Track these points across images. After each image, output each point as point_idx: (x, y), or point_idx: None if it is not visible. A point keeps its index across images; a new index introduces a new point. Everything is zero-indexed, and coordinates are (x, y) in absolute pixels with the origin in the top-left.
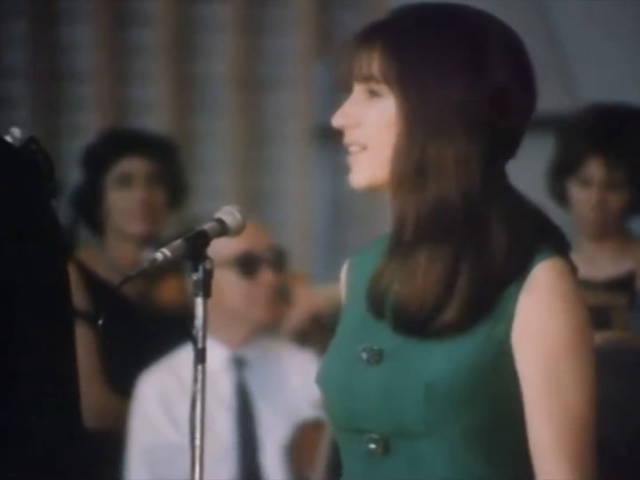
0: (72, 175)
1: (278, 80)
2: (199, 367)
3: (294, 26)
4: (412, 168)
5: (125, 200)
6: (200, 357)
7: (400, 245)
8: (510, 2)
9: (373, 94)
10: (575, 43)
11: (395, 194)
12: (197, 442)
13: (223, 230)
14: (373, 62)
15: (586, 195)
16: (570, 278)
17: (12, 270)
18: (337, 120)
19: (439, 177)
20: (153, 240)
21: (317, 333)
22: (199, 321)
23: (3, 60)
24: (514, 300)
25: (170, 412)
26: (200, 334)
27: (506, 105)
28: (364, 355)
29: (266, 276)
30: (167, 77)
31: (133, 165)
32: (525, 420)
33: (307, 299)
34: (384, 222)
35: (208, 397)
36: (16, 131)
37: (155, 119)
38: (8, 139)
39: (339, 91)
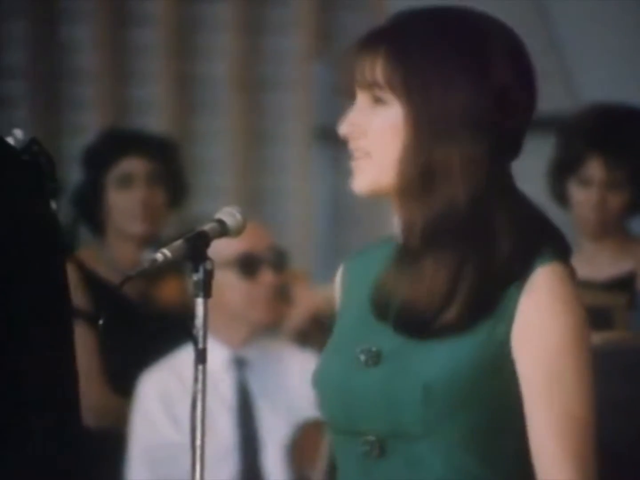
0: (72, 175)
1: (278, 80)
2: (200, 367)
3: (294, 26)
4: (419, 172)
5: (126, 200)
6: (200, 357)
7: (407, 251)
8: (510, 3)
9: (377, 100)
10: (575, 43)
11: (401, 200)
12: (198, 442)
13: (223, 230)
14: (376, 69)
15: (586, 195)
16: (570, 282)
17: (12, 270)
18: (343, 130)
19: (446, 181)
20: (153, 241)
21: (317, 333)
22: (199, 321)
23: (3, 60)
24: (515, 301)
25: (171, 411)
26: (200, 334)
27: (509, 106)
28: (362, 357)
29: (266, 276)
30: (167, 77)
31: (133, 165)
32: (523, 421)
33: (308, 299)
34: (384, 222)
35: (209, 397)
36: (18, 132)
37: (155, 119)
38: (10, 140)
39: (342, 98)
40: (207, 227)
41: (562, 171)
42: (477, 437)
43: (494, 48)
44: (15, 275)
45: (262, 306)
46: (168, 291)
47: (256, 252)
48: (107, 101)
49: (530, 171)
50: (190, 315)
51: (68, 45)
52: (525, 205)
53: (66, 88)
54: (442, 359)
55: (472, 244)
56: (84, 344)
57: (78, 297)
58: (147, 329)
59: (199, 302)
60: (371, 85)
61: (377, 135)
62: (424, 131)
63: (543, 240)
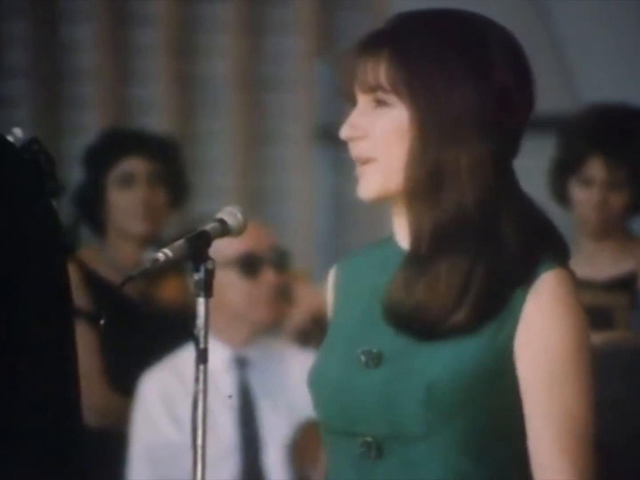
0: (73, 175)
1: (279, 80)
2: (201, 367)
3: (295, 26)
4: (427, 175)
5: (127, 200)
6: (202, 357)
7: (416, 254)
8: (510, 3)
9: (380, 103)
10: (576, 43)
11: (409, 203)
12: (199, 441)
13: (225, 230)
14: (380, 72)
15: (587, 195)
16: (572, 287)
17: (13, 270)
18: (345, 132)
19: (454, 183)
20: (154, 240)
21: (318, 333)
22: (200, 321)
23: (4, 59)
24: (520, 304)
25: (172, 411)
26: (202, 334)
27: (510, 105)
28: (363, 358)
29: (268, 276)
30: (168, 77)
31: (134, 165)
32: (523, 423)
33: (309, 299)
34: (384, 223)
35: (210, 397)
36: (18, 131)
37: (156, 119)
38: (10, 139)
39: (343, 101)
40: (209, 226)
41: (563, 171)
42: (477, 439)
43: (494, 49)
44: (16, 275)
45: (263, 306)
46: (169, 291)
47: (257, 251)
48: (108, 101)
49: (530, 171)
50: (191, 315)
51: (69, 45)
52: (529, 206)
53: (67, 88)
54: (445, 360)
55: (480, 246)
56: (85, 344)
57: (79, 296)
58: (148, 328)
59: (200, 301)
60: (374, 88)
61: (381, 138)
62: (431, 134)
63: (546, 243)
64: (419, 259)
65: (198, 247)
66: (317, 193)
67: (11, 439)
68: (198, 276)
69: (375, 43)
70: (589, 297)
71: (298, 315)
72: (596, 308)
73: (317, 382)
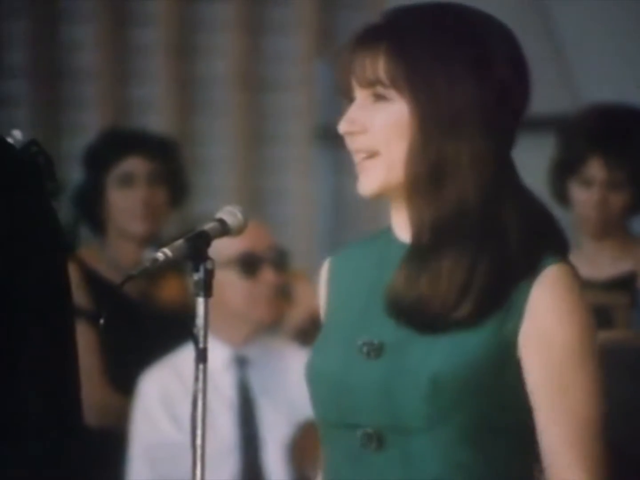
0: (73, 175)
1: (279, 80)
2: (201, 367)
3: (295, 26)
4: (429, 169)
5: (127, 200)
6: (201, 356)
7: (418, 248)
8: (511, 4)
9: (379, 98)
10: (576, 44)
11: (410, 198)
12: (199, 441)
13: (224, 230)
14: (378, 66)
15: (587, 195)
16: (577, 281)
17: (13, 270)
18: (343, 127)
19: (455, 177)
20: (154, 240)
21: (318, 332)
22: (200, 321)
23: (4, 59)
24: (524, 298)
25: (171, 410)
26: (201, 334)
27: (508, 99)
28: (364, 349)
29: (267, 276)
30: (168, 77)
31: (134, 164)
32: (524, 417)
33: (309, 298)
34: (384, 222)
35: (210, 396)
36: (17, 133)
37: (156, 119)
38: (9, 140)
39: (340, 96)
40: (208, 226)
41: (563, 171)
42: (478, 432)
43: (492, 42)
44: (17, 275)
45: (263, 305)
46: (169, 290)
47: (257, 251)
48: (108, 101)
49: (530, 171)
50: (191, 314)
51: (68, 45)
52: (531, 200)
53: (66, 88)
54: (449, 352)
55: (482, 240)
56: (85, 343)
57: (79, 296)
58: (148, 328)
59: (200, 301)
60: (373, 83)
61: (381, 132)
62: (432, 128)
63: (548, 237)
64: (421, 253)
65: (198, 247)
66: (317, 193)
67: (11, 438)
68: (198, 276)
69: (373, 37)
70: (589, 297)
71: (298, 314)
72: (596, 307)
73: (315, 374)
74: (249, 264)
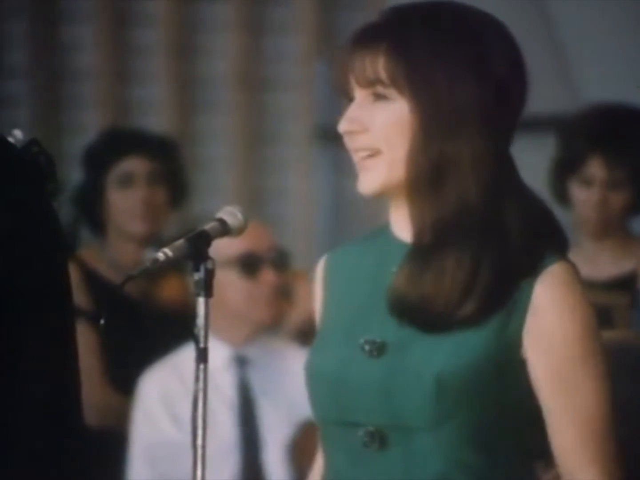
0: (73, 175)
1: (279, 80)
2: (201, 366)
3: (295, 26)
4: (430, 168)
5: (127, 200)
6: (202, 356)
7: (420, 248)
8: (510, 2)
9: (379, 97)
10: (576, 43)
11: (411, 197)
12: (199, 440)
13: (225, 230)
14: (379, 66)
15: (587, 195)
16: (579, 279)
17: (13, 270)
18: (343, 126)
19: (456, 176)
20: (154, 240)
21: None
22: (200, 321)
23: (4, 59)
24: (527, 296)
25: (172, 410)
26: (202, 334)
27: (507, 96)
28: (367, 348)
29: (268, 276)
30: (168, 77)
31: (134, 164)
32: (527, 416)
33: (309, 298)
34: (384, 221)
35: (210, 396)
36: (18, 133)
37: (156, 119)
38: (10, 140)
39: (339, 96)
40: (209, 226)
41: (563, 171)
42: (482, 431)
43: (490, 40)
44: (17, 275)
45: (264, 305)
46: (169, 290)
47: (257, 251)
48: (108, 101)
49: (530, 171)
50: (191, 314)
51: (68, 45)
52: (532, 198)
53: (66, 88)
54: (453, 351)
55: (484, 238)
56: (86, 344)
57: (79, 296)
58: (149, 328)
59: (200, 301)
60: (373, 83)
61: (382, 131)
62: (433, 126)
63: (549, 235)
64: (423, 252)
65: (198, 247)
66: (316, 193)
67: (11, 438)
68: (198, 276)
69: (372, 36)
70: (589, 297)
71: (298, 314)
72: (596, 307)
73: (315, 373)
74: (249, 264)
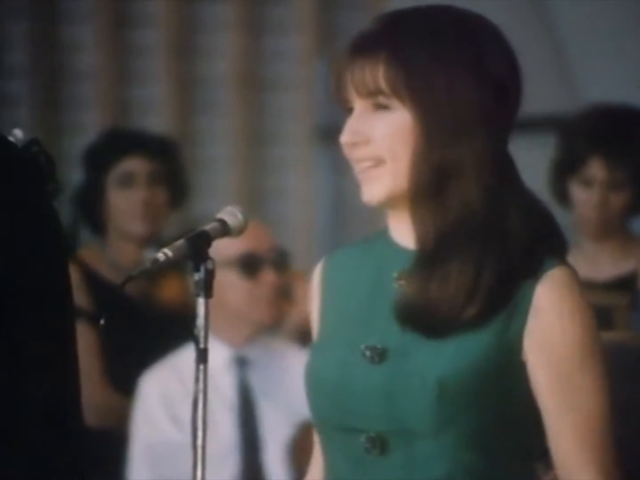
0: (73, 175)
1: (279, 80)
2: (201, 367)
3: (295, 26)
4: (433, 175)
5: (127, 200)
6: (202, 357)
7: (427, 255)
8: (510, 3)
9: (379, 106)
10: (577, 43)
11: (415, 204)
12: (199, 441)
13: (225, 230)
14: (378, 76)
15: (588, 196)
16: (579, 283)
17: (14, 270)
18: (346, 138)
19: (459, 181)
20: (154, 240)
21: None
22: (200, 321)
23: (4, 59)
24: (528, 299)
25: (172, 410)
26: (202, 334)
27: (505, 97)
28: (367, 353)
29: (268, 276)
30: (168, 77)
31: (134, 165)
32: (529, 417)
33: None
34: (384, 222)
35: (210, 397)
36: (18, 132)
37: (156, 119)
38: (10, 139)
39: (338, 106)
40: (209, 226)
41: (564, 171)
42: (485, 433)
43: (486, 43)
44: (17, 275)
45: (264, 306)
46: (169, 291)
47: (258, 251)
48: (108, 101)
49: (530, 171)
50: (191, 314)
51: (68, 45)
52: (531, 201)
53: (66, 88)
54: (455, 355)
55: (487, 241)
56: (86, 344)
57: (79, 297)
58: (149, 328)
59: (200, 301)
60: (374, 93)
61: (385, 141)
62: (436, 135)
63: (550, 238)
64: (429, 259)
65: (198, 247)
66: (317, 193)
67: (11, 438)
68: (198, 276)
69: (370, 45)
70: (589, 297)
71: (298, 315)
72: (596, 308)
73: (315, 379)
74: (249, 265)
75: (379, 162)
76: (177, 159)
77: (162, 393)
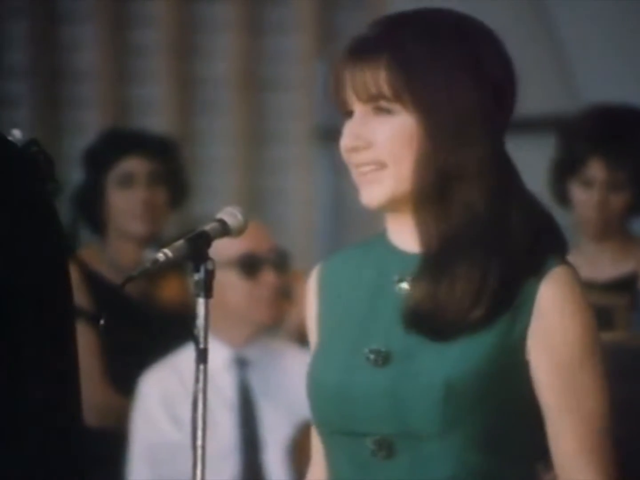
0: (73, 175)
1: (279, 80)
2: (201, 367)
3: (295, 26)
4: (437, 179)
5: (127, 200)
6: (202, 357)
7: (432, 259)
8: (510, 3)
9: (381, 111)
10: (576, 43)
11: (418, 208)
12: (199, 441)
13: (225, 231)
14: (380, 80)
15: (588, 196)
16: (580, 282)
17: (14, 270)
18: (348, 143)
19: (463, 183)
20: (154, 240)
21: None
22: (200, 321)
23: (4, 59)
24: (532, 296)
25: (172, 411)
26: (202, 334)
27: (502, 100)
28: (372, 357)
29: (268, 277)
30: (168, 77)
31: (134, 165)
32: (534, 416)
33: None
34: (384, 222)
35: (210, 397)
36: (17, 132)
37: (156, 119)
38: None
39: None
40: (209, 227)
41: (564, 172)
42: (491, 433)
43: (482, 44)
44: (17, 275)
45: (264, 306)
46: (169, 291)
47: (258, 252)
48: (108, 101)
49: (530, 171)
50: (191, 315)
51: (68, 45)
52: (532, 201)
53: (66, 88)
54: (461, 356)
55: (491, 242)
56: (86, 344)
57: (79, 297)
58: (149, 328)
59: (200, 302)
60: (375, 97)
61: (386, 146)
62: (439, 138)
63: (551, 238)
64: (434, 262)
65: (198, 248)
66: (317, 193)
67: (11, 438)
68: (198, 276)
69: (372, 49)
70: (589, 298)
71: (298, 315)
72: (596, 308)
73: (318, 383)
74: (249, 265)
75: (380, 166)
76: (177, 159)
77: (162, 393)
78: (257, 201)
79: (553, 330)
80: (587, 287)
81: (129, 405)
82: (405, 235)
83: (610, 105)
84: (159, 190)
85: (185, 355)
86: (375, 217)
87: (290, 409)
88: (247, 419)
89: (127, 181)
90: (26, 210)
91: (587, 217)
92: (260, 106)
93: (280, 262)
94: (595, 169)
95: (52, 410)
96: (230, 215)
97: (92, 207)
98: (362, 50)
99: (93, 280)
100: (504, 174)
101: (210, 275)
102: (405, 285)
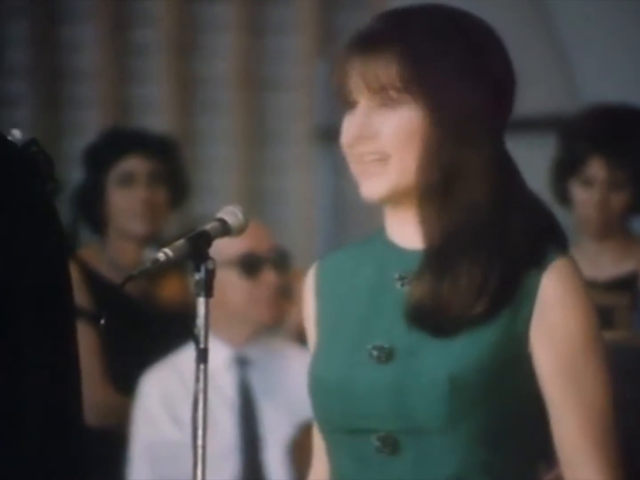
0: (73, 175)
1: (280, 80)
2: (201, 367)
3: (295, 26)
4: (443, 175)
5: (127, 200)
6: (202, 356)
7: (435, 255)
8: (510, 3)
9: (387, 103)
10: (577, 43)
11: (422, 204)
12: (200, 441)
13: (225, 230)
14: (392, 71)
15: (588, 196)
16: (581, 274)
17: (14, 270)
18: (352, 132)
19: (467, 180)
20: (154, 240)
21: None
22: (201, 321)
23: (5, 59)
24: (534, 289)
25: (172, 410)
26: (202, 334)
27: (504, 97)
28: (374, 353)
29: (268, 276)
30: (168, 77)
31: (134, 164)
32: (538, 410)
33: None
34: (384, 222)
35: (211, 396)
36: (17, 132)
37: (156, 119)
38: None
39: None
40: (209, 226)
41: (564, 171)
42: (497, 428)
43: (483, 41)
44: (17, 275)
45: (264, 306)
46: (170, 290)
47: (258, 252)
48: (108, 101)
49: (531, 171)
50: (191, 314)
51: (68, 45)
52: (532, 196)
53: (66, 88)
54: (465, 351)
55: (493, 237)
56: (86, 344)
57: (80, 296)
58: (149, 328)
59: (201, 301)
60: (385, 88)
61: (392, 137)
62: (446, 132)
63: (551, 232)
64: (438, 258)
65: (198, 247)
66: (316, 193)
67: (11, 438)
68: (199, 276)
69: (383, 41)
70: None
71: (298, 314)
72: (597, 308)
73: (320, 382)
74: (250, 265)
75: (384, 157)
76: (177, 158)
77: (163, 393)
78: (257, 201)
79: (555, 322)
80: (588, 286)
81: (129, 405)
82: (405, 232)
83: (610, 105)
84: (159, 189)
85: (186, 354)
86: (375, 217)
87: (291, 408)
88: (248, 418)
89: (128, 181)
90: (26, 210)
91: (588, 216)
92: (260, 106)
93: (281, 261)
94: (596, 169)
95: (52, 410)
96: (231, 214)
97: (92, 206)
98: (374, 40)
99: (93, 280)
100: (506, 171)
101: (210, 275)
102: (406, 282)
